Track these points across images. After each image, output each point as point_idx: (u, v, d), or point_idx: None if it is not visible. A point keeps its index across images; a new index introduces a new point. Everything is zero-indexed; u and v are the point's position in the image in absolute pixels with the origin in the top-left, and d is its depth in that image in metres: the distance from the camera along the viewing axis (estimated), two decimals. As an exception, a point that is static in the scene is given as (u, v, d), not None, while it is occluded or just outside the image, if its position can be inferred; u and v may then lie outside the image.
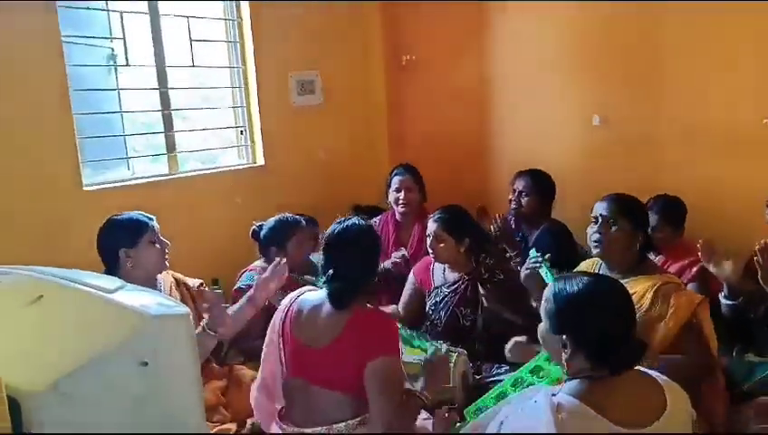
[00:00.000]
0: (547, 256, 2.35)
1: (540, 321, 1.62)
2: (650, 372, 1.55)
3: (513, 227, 3.37)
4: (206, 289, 2.38)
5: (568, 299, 1.51)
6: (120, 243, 2.36)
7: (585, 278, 1.55)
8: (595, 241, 2.29)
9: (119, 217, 2.43)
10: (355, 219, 2.14)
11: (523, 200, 3.28)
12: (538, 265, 2.35)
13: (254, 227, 3.04)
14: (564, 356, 1.49)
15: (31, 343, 1.12)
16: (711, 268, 2.39)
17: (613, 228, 2.24)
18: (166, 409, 1.21)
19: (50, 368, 1.07)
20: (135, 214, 2.46)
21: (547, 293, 1.58)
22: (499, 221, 3.13)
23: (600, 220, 2.28)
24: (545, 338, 1.58)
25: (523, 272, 2.45)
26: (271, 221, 3.00)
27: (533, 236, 3.29)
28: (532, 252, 2.44)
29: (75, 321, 1.17)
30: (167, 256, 2.48)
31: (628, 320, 1.53)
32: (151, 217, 2.47)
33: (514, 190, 3.33)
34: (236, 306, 2.39)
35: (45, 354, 1.10)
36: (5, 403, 0.91)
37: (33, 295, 1.19)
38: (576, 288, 1.52)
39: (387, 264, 3.21)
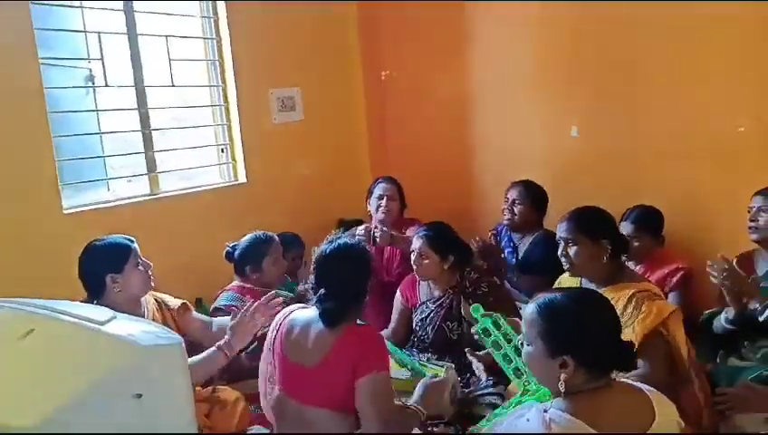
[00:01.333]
0: (481, 310, 2.32)
1: None
2: (637, 383, 1.57)
3: (507, 236, 3.45)
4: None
5: (561, 318, 1.51)
6: (105, 268, 2.32)
7: (564, 295, 1.56)
8: (564, 263, 2.36)
9: (100, 242, 2.39)
10: (345, 238, 2.15)
11: (516, 209, 3.34)
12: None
13: (227, 248, 3.03)
14: (564, 376, 1.46)
15: (22, 377, 1.10)
16: (725, 289, 2.38)
17: (573, 248, 2.29)
18: (160, 438, 1.20)
19: (42, 403, 1.06)
20: (116, 238, 2.42)
21: (531, 315, 1.55)
22: (478, 243, 3.17)
23: (561, 242, 2.34)
24: (538, 362, 1.54)
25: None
26: (244, 240, 3.00)
27: (525, 246, 3.36)
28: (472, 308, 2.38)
29: (67, 354, 1.15)
30: (151, 277, 2.45)
31: (617, 324, 1.55)
32: (132, 238, 2.44)
33: (507, 199, 3.39)
34: (205, 354, 2.28)
35: (37, 389, 1.09)
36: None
37: (24, 329, 1.17)
38: (563, 305, 1.52)
39: (358, 235, 3.22)
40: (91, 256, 2.36)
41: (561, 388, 1.47)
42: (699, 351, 2.33)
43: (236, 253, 2.99)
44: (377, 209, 3.54)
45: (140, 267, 2.40)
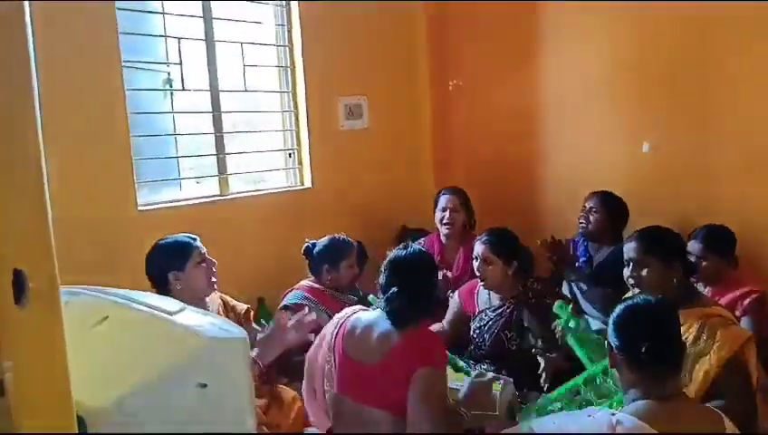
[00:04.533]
0: (569, 308, 2.40)
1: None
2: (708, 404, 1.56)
3: (584, 246, 3.38)
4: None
5: (619, 313, 1.65)
6: (168, 267, 2.41)
7: (639, 298, 1.68)
8: (631, 284, 2.28)
9: (164, 241, 2.48)
10: (417, 246, 2.22)
11: (592, 217, 3.26)
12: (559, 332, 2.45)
13: (307, 244, 3.08)
14: (617, 368, 1.60)
15: (97, 361, 1.16)
16: None
17: (644, 270, 2.22)
18: (220, 429, 1.24)
19: (114, 387, 1.11)
20: (180, 236, 2.50)
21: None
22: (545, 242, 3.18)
23: (630, 263, 2.26)
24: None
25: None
26: (325, 240, 3.04)
27: (600, 257, 3.26)
28: (556, 305, 2.47)
29: (139, 341, 1.20)
30: (214, 277, 2.50)
31: (671, 335, 1.61)
32: (195, 237, 2.51)
33: (584, 208, 3.32)
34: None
35: (109, 373, 1.14)
36: (75, 420, 0.94)
37: (100, 316, 1.24)
38: (628, 305, 1.66)
39: None
40: (155, 255, 2.45)
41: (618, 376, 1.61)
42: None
43: (316, 250, 3.03)
44: (441, 222, 3.52)
45: (203, 265, 2.46)
